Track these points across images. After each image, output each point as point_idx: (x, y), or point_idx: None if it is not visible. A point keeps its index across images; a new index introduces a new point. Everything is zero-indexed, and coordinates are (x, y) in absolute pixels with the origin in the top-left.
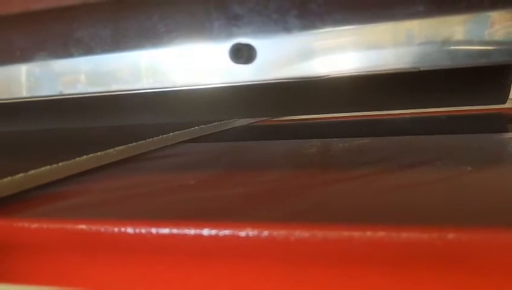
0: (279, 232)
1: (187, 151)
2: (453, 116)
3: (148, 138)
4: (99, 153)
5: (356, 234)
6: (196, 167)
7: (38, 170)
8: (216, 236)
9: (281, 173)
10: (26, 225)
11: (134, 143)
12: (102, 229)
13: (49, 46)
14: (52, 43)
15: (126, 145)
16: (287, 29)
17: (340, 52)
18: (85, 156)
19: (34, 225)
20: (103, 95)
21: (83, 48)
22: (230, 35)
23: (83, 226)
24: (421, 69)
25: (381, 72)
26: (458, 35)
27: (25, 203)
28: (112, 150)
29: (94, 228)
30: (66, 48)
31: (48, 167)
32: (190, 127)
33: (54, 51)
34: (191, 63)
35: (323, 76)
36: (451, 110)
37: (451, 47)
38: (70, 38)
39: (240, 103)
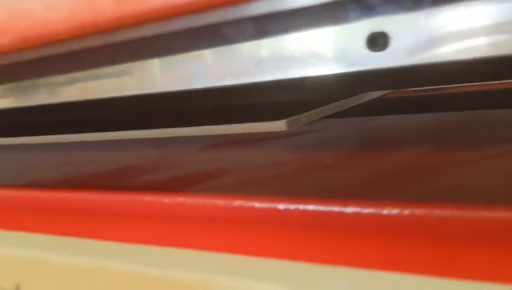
0: (421, 211)
1: (322, 127)
2: None
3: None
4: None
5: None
6: (331, 145)
7: None
8: (360, 213)
9: (418, 150)
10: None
11: (280, 121)
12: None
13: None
14: None
15: (271, 122)
16: (420, 14)
17: (477, 35)
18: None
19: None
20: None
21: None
22: (365, 23)
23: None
24: None
25: None
26: None
27: (186, 180)
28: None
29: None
30: None
31: None
32: (324, 103)
33: None
34: (327, 52)
35: (459, 60)
36: None
37: None
38: None
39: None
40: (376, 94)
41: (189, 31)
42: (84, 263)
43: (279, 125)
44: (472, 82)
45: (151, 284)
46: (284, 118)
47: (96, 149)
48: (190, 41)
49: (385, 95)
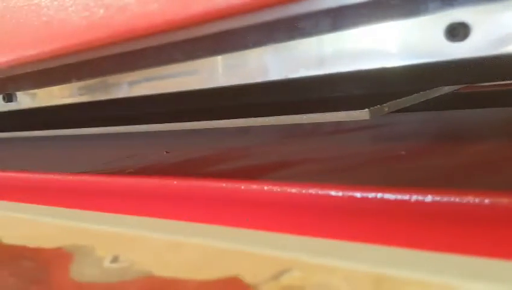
0: (501, 200)
1: (392, 121)
2: None
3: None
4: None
5: None
6: (405, 137)
7: None
8: (439, 202)
9: (491, 143)
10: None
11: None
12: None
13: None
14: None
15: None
16: (502, 5)
17: None
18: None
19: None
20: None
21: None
22: (445, 14)
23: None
24: None
25: None
26: None
27: (264, 169)
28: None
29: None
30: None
31: None
32: (402, 95)
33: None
34: (407, 42)
35: None
36: None
37: None
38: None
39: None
40: (452, 88)
41: (269, 24)
42: (170, 239)
43: (362, 114)
44: None
45: (233, 259)
46: (366, 108)
47: (176, 140)
48: (273, 33)
49: (459, 89)
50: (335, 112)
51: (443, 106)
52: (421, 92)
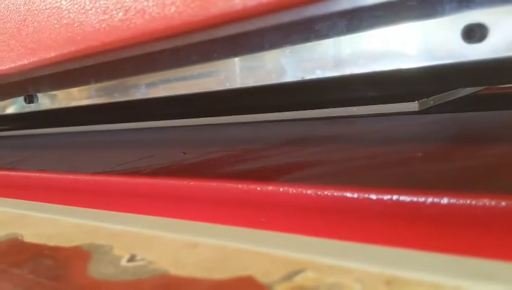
0: None
1: (409, 122)
2: None
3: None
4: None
5: None
6: (422, 139)
7: None
8: (455, 204)
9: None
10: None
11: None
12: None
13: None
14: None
15: (404, 103)
16: None
17: None
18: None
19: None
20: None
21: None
22: (462, 15)
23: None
24: None
25: None
26: None
27: (277, 171)
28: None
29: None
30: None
31: None
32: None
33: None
34: (423, 44)
35: None
36: None
37: None
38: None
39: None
40: (471, 90)
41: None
42: (186, 239)
43: (411, 106)
44: None
45: (246, 258)
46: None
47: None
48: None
49: (479, 91)
50: (385, 104)
51: (462, 108)
52: (457, 89)
